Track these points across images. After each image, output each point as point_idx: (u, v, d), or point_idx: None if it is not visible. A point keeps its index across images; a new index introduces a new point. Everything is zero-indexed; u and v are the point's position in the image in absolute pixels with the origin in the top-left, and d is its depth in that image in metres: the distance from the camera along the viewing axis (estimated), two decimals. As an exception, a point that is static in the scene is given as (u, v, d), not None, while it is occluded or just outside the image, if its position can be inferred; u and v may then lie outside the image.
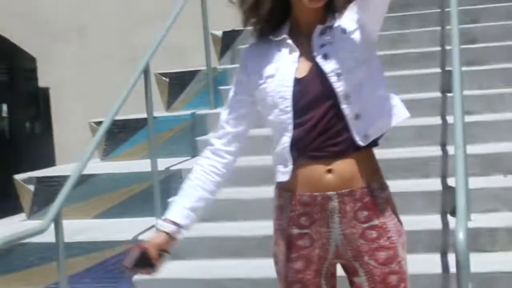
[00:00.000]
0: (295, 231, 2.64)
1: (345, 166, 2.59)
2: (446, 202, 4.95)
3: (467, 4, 7.20)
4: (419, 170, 5.40)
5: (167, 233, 2.68)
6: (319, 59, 2.56)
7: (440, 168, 5.32)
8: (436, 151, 5.50)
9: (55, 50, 9.65)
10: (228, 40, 8.39)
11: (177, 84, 7.87)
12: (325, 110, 2.55)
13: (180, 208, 2.72)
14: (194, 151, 6.74)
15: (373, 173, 2.66)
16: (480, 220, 5.01)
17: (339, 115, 2.55)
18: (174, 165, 6.46)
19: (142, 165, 6.39)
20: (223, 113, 2.80)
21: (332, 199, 2.58)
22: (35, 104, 17.79)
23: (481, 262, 4.59)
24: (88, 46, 9.56)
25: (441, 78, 5.91)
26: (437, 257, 4.59)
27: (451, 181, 4.86)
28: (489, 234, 4.90)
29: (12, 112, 17.70)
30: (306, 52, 2.61)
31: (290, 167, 2.58)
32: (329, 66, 2.54)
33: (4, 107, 17.56)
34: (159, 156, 6.09)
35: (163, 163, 6.24)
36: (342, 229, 2.61)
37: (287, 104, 2.57)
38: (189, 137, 6.93)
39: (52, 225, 4.42)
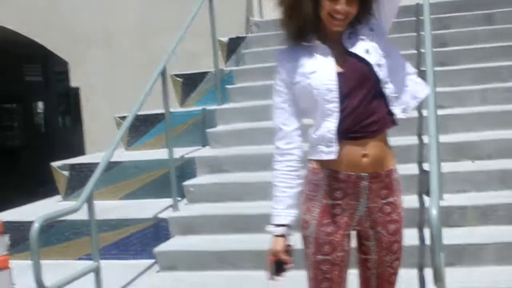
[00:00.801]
0: (329, 201, 2.74)
1: (377, 150, 2.72)
2: (422, 184, 4.91)
3: (439, 12, 7.17)
4: (400, 156, 5.35)
5: (283, 235, 2.77)
6: (363, 54, 2.67)
7: (417, 155, 5.29)
8: (414, 140, 5.48)
9: (84, 55, 9.65)
10: (233, 45, 8.36)
11: (190, 84, 7.84)
12: (362, 97, 2.67)
13: (281, 212, 2.79)
14: (204, 141, 6.78)
15: (391, 158, 2.81)
16: (451, 200, 5.01)
17: (374, 100, 2.68)
18: (188, 153, 6.46)
19: (160, 154, 6.38)
20: (276, 117, 2.84)
21: (364, 179, 2.72)
22: (66, 102, 17.81)
23: (453, 236, 4.61)
24: (114, 52, 9.54)
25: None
26: (415, 231, 4.55)
27: (426, 166, 4.84)
28: (459, 212, 4.88)
29: (46, 108, 17.71)
30: (337, 53, 2.70)
31: (335, 147, 2.66)
32: (372, 58, 2.67)
33: (40, 104, 17.57)
34: (175, 145, 6.09)
35: (178, 152, 6.24)
36: (367, 204, 2.76)
37: (333, 95, 2.65)
38: (200, 130, 6.93)
39: (85, 205, 4.40)
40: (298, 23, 2.69)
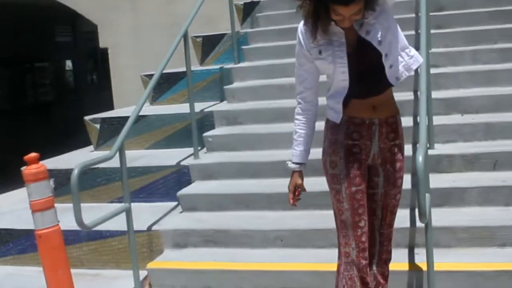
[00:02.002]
0: (350, 142, 3.08)
1: (384, 104, 3.08)
2: (416, 135, 5.06)
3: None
4: None
5: (300, 171, 3.26)
6: (363, 35, 2.96)
7: (413, 109, 5.37)
8: (410, 96, 5.57)
9: (112, 18, 9.65)
10: (248, 9, 8.35)
11: (209, 44, 7.87)
12: (368, 71, 3.00)
13: (300, 153, 3.23)
14: (222, 97, 6.86)
15: (396, 108, 3.15)
16: (441, 149, 5.16)
17: (378, 69, 2.99)
18: (207, 107, 6.55)
19: (182, 108, 6.45)
20: (298, 80, 3.22)
21: (375, 124, 3.08)
22: (94, 60, 17.89)
23: (441, 180, 4.81)
24: (139, 16, 9.56)
25: (414, 39, 5.96)
26: (408, 176, 4.55)
27: (419, 119, 4.95)
28: (447, 159, 5.01)
29: (75, 67, 17.78)
30: (348, 34, 2.98)
31: (340, 115, 3.07)
32: (371, 38, 2.95)
33: (69, 63, 17.65)
34: (195, 101, 6.11)
35: (198, 106, 6.28)
36: (379, 144, 3.12)
37: (344, 70, 2.99)
38: (218, 86, 7.01)
39: (117, 154, 4.45)
40: (314, 19, 2.95)
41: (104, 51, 10.13)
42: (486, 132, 5.28)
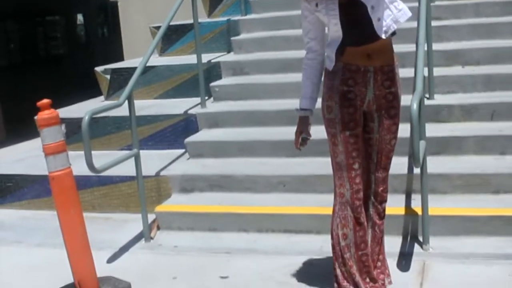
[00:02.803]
0: (345, 88, 3.19)
1: (379, 52, 3.17)
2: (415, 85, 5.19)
3: None
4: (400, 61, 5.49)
5: (306, 117, 3.41)
6: None
7: (413, 60, 5.46)
8: (410, 47, 5.55)
9: None
10: None
11: None
12: (359, 19, 3.11)
13: (307, 100, 3.38)
14: (229, 48, 6.94)
15: (393, 57, 3.25)
16: (440, 99, 5.27)
17: (369, 20, 3.09)
18: (214, 58, 6.62)
19: (190, 59, 6.50)
20: (304, 32, 3.34)
21: (370, 71, 3.18)
22: (105, 14, 17.86)
23: (440, 129, 4.96)
24: None
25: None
26: (407, 125, 4.77)
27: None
28: (447, 109, 5.12)
29: (86, 20, 17.77)
30: None
31: (333, 62, 3.18)
32: None
33: (80, 17, 17.66)
34: (203, 52, 6.20)
35: (205, 57, 6.39)
36: (374, 91, 3.22)
37: (336, 22, 3.12)
38: (225, 37, 7.07)
39: (126, 102, 4.53)
40: None
41: (114, 5, 10.16)
42: (486, 83, 5.36)
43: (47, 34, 16.16)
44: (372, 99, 3.22)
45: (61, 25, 16.72)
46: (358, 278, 3.34)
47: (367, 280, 3.38)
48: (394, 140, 3.36)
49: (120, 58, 9.56)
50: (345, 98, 3.20)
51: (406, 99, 3.42)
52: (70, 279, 3.74)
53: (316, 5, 3.17)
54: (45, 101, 3.51)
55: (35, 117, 3.70)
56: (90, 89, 8.49)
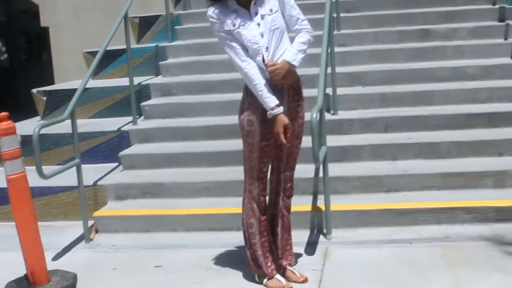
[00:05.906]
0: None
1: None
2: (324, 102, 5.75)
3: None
4: (309, 83, 5.47)
5: (283, 112, 3.59)
6: (259, 20, 3.61)
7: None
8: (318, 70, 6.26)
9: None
10: None
11: (145, 24, 8.27)
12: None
13: (271, 97, 3.56)
14: (157, 71, 7.36)
15: (298, 74, 3.74)
16: (343, 115, 5.90)
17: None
18: (144, 81, 7.07)
19: (122, 81, 6.92)
20: (238, 57, 3.64)
21: (284, 88, 3.66)
22: (36, 39, 17.75)
23: (342, 140, 5.56)
24: None
25: (328, 21, 6.59)
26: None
27: (328, 90, 5.43)
28: (348, 123, 5.76)
29: (9, 46, 17.65)
30: (253, 14, 3.63)
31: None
32: (271, 20, 3.61)
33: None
34: (134, 75, 6.55)
35: (136, 80, 6.78)
36: (287, 103, 3.68)
37: (257, 45, 3.59)
38: (154, 62, 7.50)
39: (69, 119, 4.86)
40: None
41: (40, 31, 10.29)
42: (381, 100, 6.04)
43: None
44: (286, 111, 3.63)
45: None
46: (261, 260, 3.92)
47: (269, 264, 3.94)
48: (299, 144, 3.88)
49: (45, 83, 9.61)
50: (264, 113, 3.59)
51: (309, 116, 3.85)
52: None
53: (233, 24, 3.60)
54: (3, 114, 4.04)
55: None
56: (14, 114, 8.51)
